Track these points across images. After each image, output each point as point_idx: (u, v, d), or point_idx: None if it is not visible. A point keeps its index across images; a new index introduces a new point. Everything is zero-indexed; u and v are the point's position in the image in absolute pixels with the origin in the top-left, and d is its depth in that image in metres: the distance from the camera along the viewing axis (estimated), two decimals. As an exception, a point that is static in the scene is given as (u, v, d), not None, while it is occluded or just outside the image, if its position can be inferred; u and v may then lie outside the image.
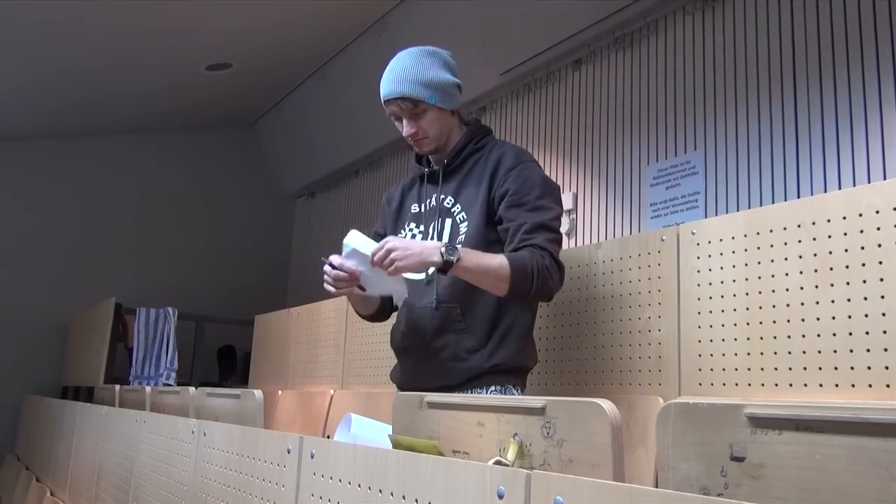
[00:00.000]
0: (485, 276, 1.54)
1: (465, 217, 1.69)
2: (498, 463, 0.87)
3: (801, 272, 1.49)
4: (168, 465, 1.75)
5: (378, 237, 1.86)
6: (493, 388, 1.60)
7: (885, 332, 1.35)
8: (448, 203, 1.74)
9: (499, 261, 1.53)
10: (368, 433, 1.58)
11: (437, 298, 1.65)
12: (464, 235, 1.67)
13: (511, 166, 1.67)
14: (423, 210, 1.80)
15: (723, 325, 1.62)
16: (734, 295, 1.61)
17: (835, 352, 1.42)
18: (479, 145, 1.76)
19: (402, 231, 1.82)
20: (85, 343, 4.82)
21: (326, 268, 1.61)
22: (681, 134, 3.16)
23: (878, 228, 1.38)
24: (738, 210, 2.84)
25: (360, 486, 0.94)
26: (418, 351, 1.69)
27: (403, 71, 1.69)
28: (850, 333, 1.40)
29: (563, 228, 3.56)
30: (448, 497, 0.78)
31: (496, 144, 1.77)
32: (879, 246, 1.38)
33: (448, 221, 1.71)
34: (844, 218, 1.44)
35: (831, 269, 1.44)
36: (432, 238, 1.72)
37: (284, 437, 1.17)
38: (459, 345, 1.63)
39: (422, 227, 1.78)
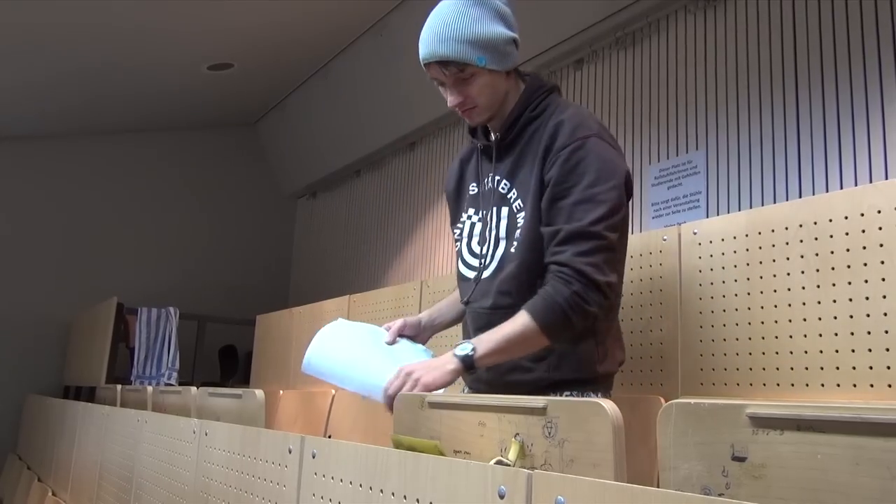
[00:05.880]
0: (517, 347, 1.32)
1: (522, 206, 1.43)
2: (499, 463, 0.87)
3: (802, 272, 1.49)
4: (169, 464, 1.75)
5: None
6: (567, 392, 1.38)
7: (886, 332, 1.35)
8: (503, 188, 1.47)
9: (521, 322, 1.30)
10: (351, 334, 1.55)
11: (493, 301, 1.42)
12: (521, 229, 1.42)
13: (563, 144, 1.36)
14: (480, 192, 1.53)
15: (724, 325, 1.62)
16: (736, 295, 1.61)
17: (836, 352, 1.42)
18: (535, 112, 1.46)
19: (461, 221, 1.57)
20: (86, 343, 4.83)
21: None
22: (682, 133, 3.16)
23: (880, 228, 1.38)
24: (739, 210, 2.83)
25: (361, 485, 0.94)
26: None
27: (444, 26, 1.38)
28: (852, 333, 1.39)
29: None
30: (449, 497, 0.78)
31: (557, 108, 1.45)
32: (881, 246, 1.38)
33: (504, 211, 1.45)
34: (846, 218, 1.43)
35: (833, 268, 1.44)
36: (492, 230, 1.47)
37: (286, 437, 1.17)
38: None
39: (480, 214, 1.51)
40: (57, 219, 5.49)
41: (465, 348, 1.30)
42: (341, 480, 0.98)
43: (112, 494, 2.25)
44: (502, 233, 1.44)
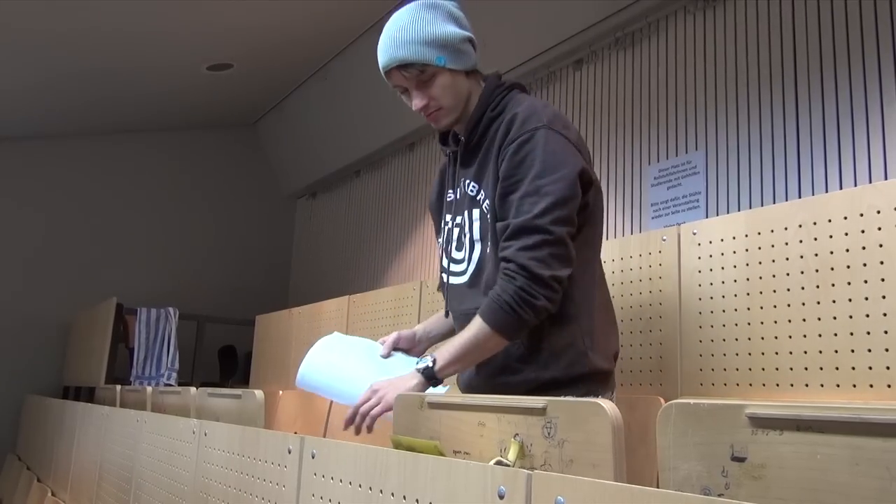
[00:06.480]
0: (476, 352, 1.33)
1: (491, 206, 1.43)
2: (499, 463, 0.87)
3: (801, 272, 1.49)
4: (169, 465, 1.75)
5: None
6: (562, 395, 1.33)
7: (886, 332, 1.35)
8: (472, 190, 1.47)
9: (475, 327, 1.31)
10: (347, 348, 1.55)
11: (476, 303, 1.38)
12: (492, 230, 1.41)
13: (513, 138, 1.37)
14: (455, 198, 1.54)
15: (724, 325, 1.62)
16: (735, 295, 1.61)
17: (836, 352, 1.42)
18: (496, 111, 1.46)
19: (442, 229, 1.58)
20: (86, 343, 4.83)
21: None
22: (682, 134, 3.16)
23: (880, 228, 1.38)
24: (739, 210, 2.83)
25: (360, 486, 0.94)
26: None
27: (401, 31, 1.44)
28: (851, 333, 1.40)
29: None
30: (449, 497, 0.78)
31: (512, 103, 1.45)
32: (881, 246, 1.38)
33: (476, 213, 1.45)
34: (845, 218, 1.44)
35: (832, 269, 1.44)
36: (466, 233, 1.47)
37: (285, 438, 1.17)
38: (508, 353, 1.37)
39: (458, 219, 1.51)
40: (56, 219, 5.49)
41: (424, 361, 1.33)
42: (341, 481, 0.98)
43: (111, 495, 2.25)
44: (476, 235, 1.45)
